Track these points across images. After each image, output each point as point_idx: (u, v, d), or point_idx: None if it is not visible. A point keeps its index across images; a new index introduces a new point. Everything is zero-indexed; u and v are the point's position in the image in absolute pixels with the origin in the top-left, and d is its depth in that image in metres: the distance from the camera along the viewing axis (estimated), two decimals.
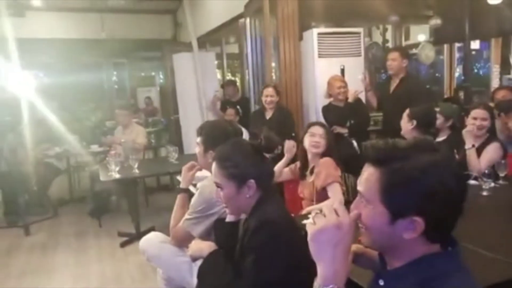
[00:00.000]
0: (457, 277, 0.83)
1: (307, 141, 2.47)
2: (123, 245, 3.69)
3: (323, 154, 2.44)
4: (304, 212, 2.17)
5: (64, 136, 5.00)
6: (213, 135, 1.92)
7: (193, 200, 1.84)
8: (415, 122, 2.65)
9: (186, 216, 1.85)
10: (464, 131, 2.66)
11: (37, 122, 4.85)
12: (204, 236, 1.85)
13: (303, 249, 1.31)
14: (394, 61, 3.60)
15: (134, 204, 3.99)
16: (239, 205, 1.48)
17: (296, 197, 2.58)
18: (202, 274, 1.63)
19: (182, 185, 2.09)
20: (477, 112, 2.67)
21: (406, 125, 2.70)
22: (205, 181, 1.90)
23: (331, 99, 3.77)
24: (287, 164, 2.66)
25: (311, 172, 2.48)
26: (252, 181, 1.43)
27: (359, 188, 0.91)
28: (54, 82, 8.76)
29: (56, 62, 9.13)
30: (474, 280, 0.85)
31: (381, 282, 0.93)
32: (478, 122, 2.63)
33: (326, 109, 3.79)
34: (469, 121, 2.69)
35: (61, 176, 5.25)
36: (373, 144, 0.90)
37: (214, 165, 1.50)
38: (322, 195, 2.30)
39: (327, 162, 2.39)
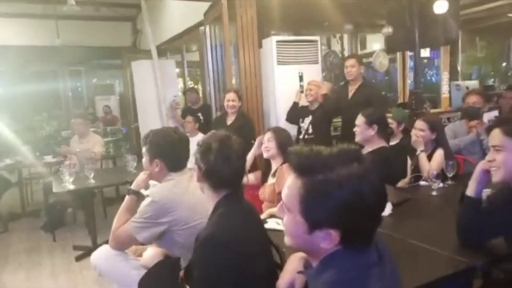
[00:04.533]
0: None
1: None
2: (78, 259, 3.54)
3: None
4: (264, 216, 2.23)
5: (16, 147, 4.75)
6: (157, 143, 1.88)
7: (141, 205, 1.78)
8: (376, 127, 2.62)
9: (133, 219, 1.78)
10: (412, 142, 2.83)
11: None
12: (149, 242, 1.80)
13: (252, 266, 1.31)
14: (353, 67, 3.71)
15: (91, 216, 3.84)
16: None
17: (255, 199, 2.61)
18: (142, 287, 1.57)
19: (133, 186, 2.00)
20: (416, 123, 2.86)
21: (367, 132, 2.62)
22: (156, 188, 1.86)
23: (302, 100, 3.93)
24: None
25: (273, 175, 2.60)
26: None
27: (282, 194, 0.92)
28: (5, 91, 8.37)
29: (8, 70, 8.71)
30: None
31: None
32: (415, 132, 2.82)
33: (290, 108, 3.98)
34: (413, 131, 2.88)
35: (12, 189, 4.97)
36: (296, 151, 0.88)
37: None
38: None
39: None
